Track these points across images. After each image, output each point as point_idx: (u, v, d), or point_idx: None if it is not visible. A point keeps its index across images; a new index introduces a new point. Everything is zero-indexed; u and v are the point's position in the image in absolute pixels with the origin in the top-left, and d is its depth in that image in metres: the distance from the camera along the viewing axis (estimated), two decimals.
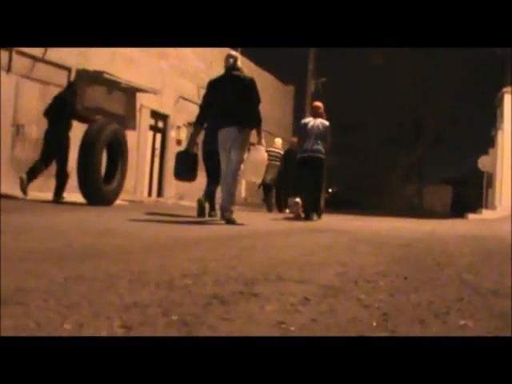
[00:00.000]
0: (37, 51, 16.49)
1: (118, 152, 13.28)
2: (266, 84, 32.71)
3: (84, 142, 12.27)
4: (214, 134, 9.08)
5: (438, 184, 42.82)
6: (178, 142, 24.08)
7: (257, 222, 10.40)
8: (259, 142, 9.18)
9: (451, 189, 42.77)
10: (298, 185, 12.43)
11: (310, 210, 11.79)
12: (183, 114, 24.22)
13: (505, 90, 27.12)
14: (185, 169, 9.80)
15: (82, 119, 13.14)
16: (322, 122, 12.02)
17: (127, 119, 20.87)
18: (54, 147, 12.68)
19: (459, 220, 20.91)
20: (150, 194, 22.81)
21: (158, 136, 23.42)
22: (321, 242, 6.24)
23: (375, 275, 3.51)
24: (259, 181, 11.25)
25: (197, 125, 9.56)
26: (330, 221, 12.26)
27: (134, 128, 21.26)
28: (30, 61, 16.68)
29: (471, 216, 24.67)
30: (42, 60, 17.02)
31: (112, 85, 19.39)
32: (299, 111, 34.19)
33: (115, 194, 13.17)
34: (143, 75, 20.84)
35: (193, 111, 24.86)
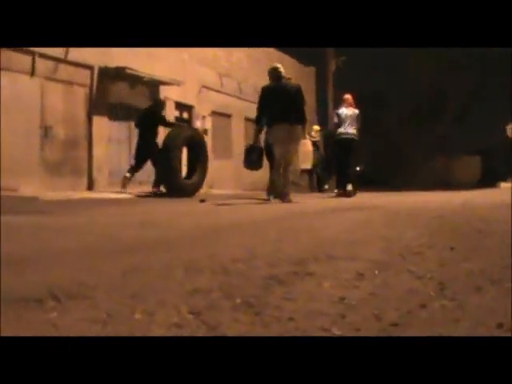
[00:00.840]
0: (58, 52, 16.60)
1: (197, 152, 15.56)
2: (287, 67, 32.43)
3: (165, 141, 14.61)
4: (271, 131, 11.00)
5: (465, 156, 42.36)
6: (205, 132, 24.13)
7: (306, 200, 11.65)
8: (304, 137, 11.33)
9: (480, 159, 42.40)
10: (338, 162, 15.14)
11: (346, 183, 14.18)
12: (207, 104, 24.25)
13: None
14: (252, 159, 11.33)
15: (167, 125, 15.74)
16: (353, 110, 14.70)
17: None
18: (146, 151, 15.18)
19: (491, 189, 20.78)
20: None
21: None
22: (358, 218, 6.27)
23: (420, 247, 3.54)
24: (309, 167, 14.46)
25: (258, 125, 11.44)
26: (362, 199, 12.86)
27: None
28: (53, 63, 16.79)
29: (503, 184, 24.47)
30: (65, 61, 17.13)
31: (135, 80, 19.47)
32: (322, 92, 34.12)
33: (196, 187, 15.15)
34: (165, 67, 20.87)
35: (216, 100, 24.95)
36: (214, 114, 25.11)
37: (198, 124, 23.56)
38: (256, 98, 26.41)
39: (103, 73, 18.43)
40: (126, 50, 18.20)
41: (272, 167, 11.86)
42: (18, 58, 15.59)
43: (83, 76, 18.07)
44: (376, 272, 2.65)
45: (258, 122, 11.34)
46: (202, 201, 11.18)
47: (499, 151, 39.35)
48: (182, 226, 5.78)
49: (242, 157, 11.94)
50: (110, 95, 18.78)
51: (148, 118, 15.42)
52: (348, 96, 15.14)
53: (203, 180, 15.78)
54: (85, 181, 18.26)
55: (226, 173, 25.23)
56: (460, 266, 2.77)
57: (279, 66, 11.51)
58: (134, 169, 15.58)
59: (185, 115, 23.37)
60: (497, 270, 2.63)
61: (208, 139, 24.26)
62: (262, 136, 12.00)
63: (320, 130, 22.07)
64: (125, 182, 15.27)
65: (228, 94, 25.96)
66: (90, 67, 18.17)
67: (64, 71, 17.33)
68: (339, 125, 14.66)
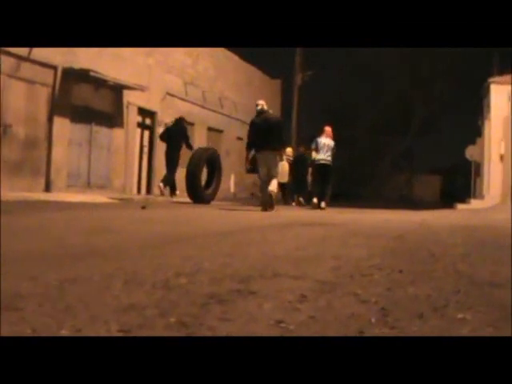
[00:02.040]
0: (22, 50, 16.37)
1: (214, 168, 18.57)
2: (254, 78, 32.71)
3: (190, 160, 17.72)
4: (258, 155, 13.61)
5: (427, 173, 42.85)
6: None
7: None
8: (282, 159, 14.68)
9: (440, 178, 42.91)
10: (315, 183, 18.35)
11: (320, 200, 16.99)
12: (171, 110, 24.12)
13: (491, 79, 27.17)
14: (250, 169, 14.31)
15: (187, 145, 18.85)
16: (330, 140, 17.49)
17: (115, 117, 20.80)
18: (174, 162, 18.51)
19: (448, 210, 20.98)
20: (139, 191, 22.74)
21: (146, 133, 23.34)
22: (315, 235, 6.24)
23: (370, 269, 3.50)
24: (286, 181, 19.05)
25: (247, 150, 14.02)
26: (325, 213, 13.71)
27: (121, 126, 21.19)
28: (16, 60, 16.54)
29: (460, 206, 24.74)
30: (28, 59, 16.90)
31: (99, 82, 19.30)
32: (287, 105, 34.20)
33: (212, 196, 18.26)
34: (130, 72, 20.74)
35: (179, 107, 24.83)
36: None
37: (160, 130, 23.44)
38: (220, 108, 26.48)
39: (67, 74, 18.24)
40: (91, 52, 18.07)
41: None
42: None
43: (46, 76, 17.87)
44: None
45: (248, 148, 13.96)
46: (143, 207, 11.94)
47: (459, 172, 39.86)
48: (134, 233, 5.70)
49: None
50: (73, 97, 18.61)
51: (173, 134, 18.68)
52: (328, 128, 17.78)
53: (217, 191, 18.83)
54: (42, 182, 18.01)
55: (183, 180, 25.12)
56: (406, 291, 2.72)
57: (262, 102, 14.09)
58: (167, 179, 18.53)
59: (147, 121, 23.22)
60: (442, 296, 2.59)
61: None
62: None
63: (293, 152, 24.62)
64: (162, 191, 18.41)
65: (192, 103, 25.90)
66: (53, 67, 17.98)
67: (27, 69, 17.10)
68: (317, 151, 17.37)
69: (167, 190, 18.96)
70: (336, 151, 17.76)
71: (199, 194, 17.35)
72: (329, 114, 41.38)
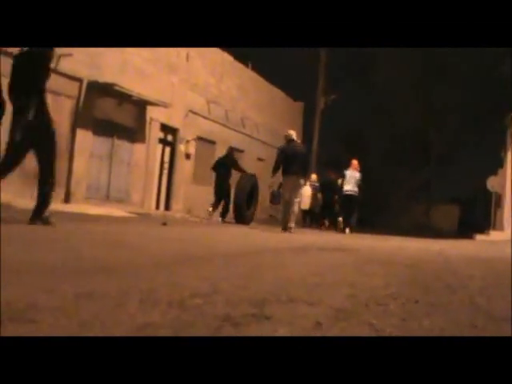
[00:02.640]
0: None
1: (254, 192, 20.25)
2: (276, 100, 32.80)
3: (238, 186, 19.66)
4: (283, 180, 15.07)
5: (446, 203, 42.64)
6: (187, 156, 24.10)
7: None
8: (305, 184, 16.20)
9: (459, 208, 42.69)
10: (343, 211, 20.26)
11: (346, 227, 19.33)
12: (192, 128, 24.25)
13: None
14: (275, 198, 16.00)
15: (239, 170, 20.50)
16: (356, 173, 19.63)
17: (137, 132, 20.93)
18: (222, 189, 19.73)
19: (467, 240, 20.83)
20: (157, 207, 22.80)
21: (167, 149, 23.44)
22: (331, 261, 6.23)
23: (386, 298, 3.48)
24: (308, 208, 20.90)
25: (273, 174, 15.31)
26: (342, 239, 13.49)
27: (143, 141, 21.30)
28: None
29: (479, 237, 24.58)
30: (55, 71, 17.04)
31: (123, 97, 19.44)
32: (308, 127, 34.23)
33: (251, 217, 20.12)
34: (153, 88, 20.88)
35: (201, 125, 24.95)
36: (199, 139, 25.10)
37: (181, 148, 23.52)
38: (242, 128, 26.55)
39: (92, 87, 18.38)
40: (116, 66, 18.19)
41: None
42: (5, 62, 15.49)
43: (71, 88, 18.01)
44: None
45: (273, 172, 15.23)
46: (164, 224, 12.09)
47: (478, 202, 39.62)
48: (150, 250, 5.71)
49: None
50: (97, 110, 18.73)
51: (224, 164, 20.03)
52: (355, 161, 19.85)
53: (254, 213, 20.77)
54: (62, 193, 18.10)
55: (204, 199, 25.17)
56: (421, 323, 2.71)
57: (293, 132, 15.59)
58: (215, 205, 19.91)
59: (169, 138, 23.32)
60: (457, 329, 2.57)
61: (189, 164, 24.25)
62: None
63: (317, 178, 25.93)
64: (210, 214, 19.56)
65: (214, 121, 26.01)
66: (79, 80, 18.11)
67: (53, 81, 17.20)
68: (344, 183, 19.64)
69: (213, 214, 20.03)
70: (362, 184, 19.72)
71: (243, 215, 19.35)
72: (347, 139, 41.51)
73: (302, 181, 15.06)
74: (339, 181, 20.56)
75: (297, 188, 14.93)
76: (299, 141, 16.48)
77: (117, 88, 18.60)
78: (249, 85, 29.36)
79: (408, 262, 6.68)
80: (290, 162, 14.73)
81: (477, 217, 38.34)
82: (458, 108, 38.63)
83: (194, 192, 24.74)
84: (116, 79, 18.62)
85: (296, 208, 15.00)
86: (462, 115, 38.91)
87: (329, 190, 23.86)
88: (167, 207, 23.29)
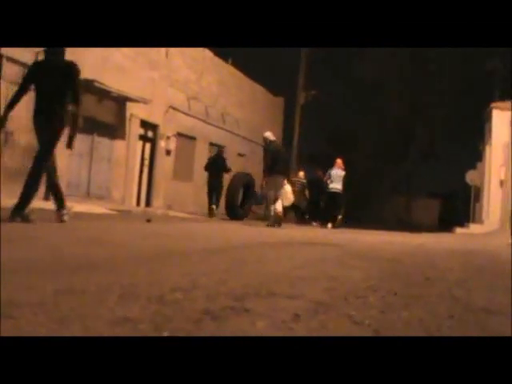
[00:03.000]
0: (27, 58, 16.41)
1: (248, 190, 21.33)
2: (257, 95, 32.80)
3: (230, 184, 20.35)
4: (268, 180, 15.70)
5: (426, 197, 42.87)
6: (168, 152, 24.05)
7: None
8: (286, 184, 16.58)
9: (439, 202, 42.94)
10: (327, 208, 21.45)
11: (330, 222, 20.47)
12: (173, 124, 24.19)
13: (493, 105, 27.26)
14: (261, 199, 19.22)
15: (227, 172, 21.10)
16: (341, 171, 20.87)
17: (117, 128, 20.84)
18: (215, 189, 20.57)
19: (447, 234, 20.97)
20: (138, 203, 22.74)
21: (148, 146, 23.38)
22: (313, 255, 6.25)
23: (365, 290, 3.50)
24: (289, 204, 18.06)
25: (265, 174, 15.68)
26: (323, 233, 13.89)
27: (123, 137, 21.23)
28: (19, 67, 16.59)
29: (459, 230, 24.74)
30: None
31: (102, 94, 19.35)
32: (289, 123, 34.25)
33: (246, 213, 20.95)
34: (133, 85, 20.79)
35: (182, 121, 24.90)
36: (179, 135, 25.05)
37: (162, 144, 23.48)
38: (222, 124, 26.51)
39: None
40: (96, 63, 18.11)
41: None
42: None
43: None
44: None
45: (265, 173, 15.62)
46: (149, 220, 12.12)
47: (458, 196, 39.86)
48: (131, 246, 5.71)
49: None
50: None
51: (214, 165, 20.84)
52: (339, 160, 21.09)
53: (250, 209, 21.84)
54: (42, 190, 18.00)
55: (185, 195, 25.15)
56: (399, 314, 2.73)
57: (270, 133, 16.28)
58: (213, 203, 20.51)
59: (150, 134, 23.26)
60: (435, 321, 2.59)
61: (170, 160, 24.21)
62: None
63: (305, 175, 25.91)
64: (211, 213, 20.18)
65: (195, 117, 25.97)
66: None
67: None
68: (330, 181, 20.74)
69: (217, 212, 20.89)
70: (345, 181, 20.95)
71: (235, 212, 19.96)
72: (329, 135, 41.61)
73: (285, 180, 16.24)
74: (324, 179, 21.57)
75: (280, 186, 15.88)
76: (278, 141, 17.75)
77: (96, 84, 18.49)
78: (229, 81, 29.34)
79: (389, 255, 6.73)
80: (274, 163, 15.48)
81: (456, 211, 38.58)
82: (442, 101, 38.80)
83: (175, 188, 24.71)
84: (96, 76, 18.52)
85: (280, 206, 15.67)
86: (445, 108, 39.09)
87: (316, 187, 24.25)
88: (148, 204, 23.23)
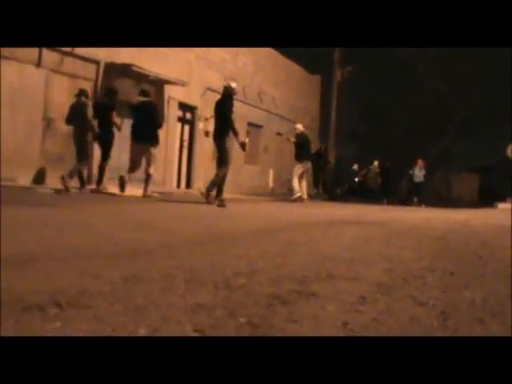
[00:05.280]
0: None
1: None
2: (293, 74, 32.66)
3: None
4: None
5: (465, 172, 42.37)
6: (206, 134, 24.11)
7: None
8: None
9: (478, 177, 42.44)
10: (408, 193, 28.27)
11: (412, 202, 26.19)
12: (211, 105, 24.21)
13: None
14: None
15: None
16: (422, 169, 27.96)
17: None
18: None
19: (489, 209, 20.77)
20: (178, 185, 22.87)
21: (186, 128, 23.45)
22: (359, 234, 6.27)
23: (421, 270, 3.53)
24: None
25: (297, 160, 19.65)
26: (366, 211, 13.75)
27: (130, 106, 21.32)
28: (60, 55, 16.75)
29: (501, 205, 24.46)
30: (71, 54, 17.09)
31: (140, 77, 19.44)
32: (326, 100, 34.11)
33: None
34: (171, 67, 20.85)
35: None
36: None
37: (200, 125, 23.54)
38: (259, 103, 26.33)
39: (109, 68, 18.39)
40: (133, 47, 18.18)
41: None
42: (25, 49, 15.54)
43: (89, 70, 18.02)
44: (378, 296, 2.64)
45: (298, 159, 19.68)
46: (220, 205, 11.95)
47: (498, 170, 39.32)
48: (181, 230, 5.77)
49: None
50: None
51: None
52: (420, 161, 27.90)
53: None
54: (85, 174, 18.23)
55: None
56: (462, 294, 2.75)
57: (299, 126, 20.46)
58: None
59: (188, 116, 23.33)
60: (498, 301, 2.61)
61: (209, 141, 24.29)
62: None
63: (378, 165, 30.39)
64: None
65: None
66: (96, 62, 18.12)
67: (70, 64, 17.28)
68: (414, 175, 27.74)
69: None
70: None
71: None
72: (366, 111, 41.29)
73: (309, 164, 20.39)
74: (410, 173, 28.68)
75: (306, 170, 20.16)
76: (306, 131, 21.04)
77: (134, 68, 18.59)
78: (265, 60, 29.24)
79: (436, 233, 6.72)
80: (301, 151, 19.66)
81: (496, 185, 38.08)
82: (483, 78, 38.20)
83: (214, 169, 24.80)
84: (133, 60, 18.61)
85: (304, 185, 19.69)
86: (486, 84, 38.46)
87: (385, 174, 29.92)
88: (188, 185, 23.35)
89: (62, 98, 17.22)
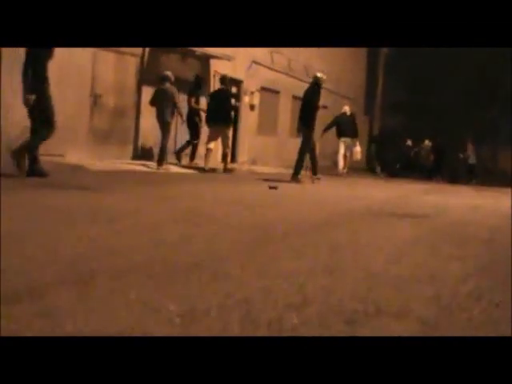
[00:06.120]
0: None
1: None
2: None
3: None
4: None
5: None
6: (252, 108, 24.08)
7: None
8: (357, 144, 22.45)
9: None
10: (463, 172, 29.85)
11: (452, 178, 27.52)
12: (256, 79, 24.18)
13: None
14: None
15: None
16: (472, 154, 30.92)
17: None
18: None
19: None
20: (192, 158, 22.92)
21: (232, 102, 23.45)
22: (405, 234, 6.25)
23: (468, 298, 3.49)
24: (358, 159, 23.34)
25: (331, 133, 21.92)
26: (403, 192, 13.73)
27: (208, 94, 21.41)
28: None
29: None
30: None
31: (186, 52, 19.50)
32: (372, 73, 33.79)
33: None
34: None
35: (265, 76, 24.86)
36: (263, 89, 25.03)
37: (246, 99, 23.50)
38: (305, 77, 26.26)
39: None
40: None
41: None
42: None
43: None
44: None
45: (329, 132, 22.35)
46: (273, 187, 11.71)
47: None
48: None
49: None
50: (161, 66, 18.84)
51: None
52: (471, 144, 30.59)
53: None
54: (130, 150, 18.44)
55: (269, 149, 25.27)
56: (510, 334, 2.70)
57: (346, 108, 22.96)
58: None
59: (233, 90, 23.32)
60: None
61: (254, 115, 24.28)
62: None
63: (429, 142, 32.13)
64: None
65: (277, 71, 25.89)
66: None
67: None
68: (468, 156, 30.36)
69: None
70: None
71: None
72: (413, 83, 40.69)
73: (354, 140, 22.32)
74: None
75: (351, 145, 22.21)
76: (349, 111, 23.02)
77: None
78: None
79: (483, 233, 6.64)
80: (343, 128, 22.03)
81: None
82: None
83: (259, 143, 24.83)
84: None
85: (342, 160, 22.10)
86: None
87: (436, 152, 31.45)
88: (233, 159, 23.41)
89: (109, 74, 17.40)
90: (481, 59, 38.26)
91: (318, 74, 15.78)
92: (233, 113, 17.50)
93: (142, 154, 18.58)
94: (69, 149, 15.63)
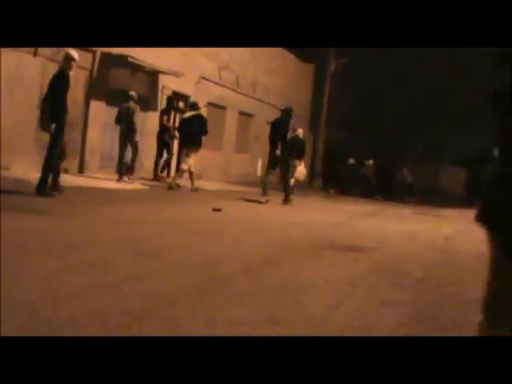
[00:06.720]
0: None
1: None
2: (287, 62, 32.65)
3: None
4: None
5: (454, 164, 42.16)
6: None
7: None
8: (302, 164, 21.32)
9: (466, 170, 42.28)
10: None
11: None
12: (204, 94, 24.28)
13: None
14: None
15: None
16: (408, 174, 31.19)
17: (149, 100, 21.04)
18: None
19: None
20: (168, 174, 22.95)
21: (179, 116, 23.50)
22: (340, 275, 6.22)
23: None
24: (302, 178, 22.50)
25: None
26: (345, 218, 13.40)
27: (155, 109, 21.43)
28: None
29: None
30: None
31: (135, 67, 19.52)
32: (319, 89, 34.15)
33: None
34: (165, 55, 20.86)
35: (213, 91, 24.97)
36: (210, 105, 25.12)
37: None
38: (252, 92, 26.28)
39: (105, 58, 18.47)
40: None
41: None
42: None
43: (85, 59, 18.06)
44: None
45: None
46: (217, 210, 11.82)
47: (488, 163, 39.03)
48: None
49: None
50: (110, 81, 18.84)
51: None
52: (407, 168, 30.68)
53: None
54: (76, 163, 18.38)
55: (214, 164, 25.40)
56: None
57: (300, 131, 22.08)
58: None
59: (180, 105, 23.39)
60: None
61: None
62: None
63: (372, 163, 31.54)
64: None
65: (225, 87, 26.03)
66: (92, 51, 18.19)
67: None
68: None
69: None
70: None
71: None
72: (358, 100, 41.06)
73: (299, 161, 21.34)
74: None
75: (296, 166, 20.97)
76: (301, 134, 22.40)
77: (130, 60, 18.65)
78: (259, 49, 29.23)
79: (417, 271, 6.72)
80: (292, 149, 20.04)
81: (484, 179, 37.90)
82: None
83: (205, 158, 24.90)
84: (128, 49, 18.65)
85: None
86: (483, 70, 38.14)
87: (381, 173, 31.36)
88: (168, 173, 23.39)
89: None
90: (428, 71, 38.64)
91: (287, 107, 18.10)
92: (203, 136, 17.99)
93: (87, 167, 18.54)
94: (15, 160, 15.54)
